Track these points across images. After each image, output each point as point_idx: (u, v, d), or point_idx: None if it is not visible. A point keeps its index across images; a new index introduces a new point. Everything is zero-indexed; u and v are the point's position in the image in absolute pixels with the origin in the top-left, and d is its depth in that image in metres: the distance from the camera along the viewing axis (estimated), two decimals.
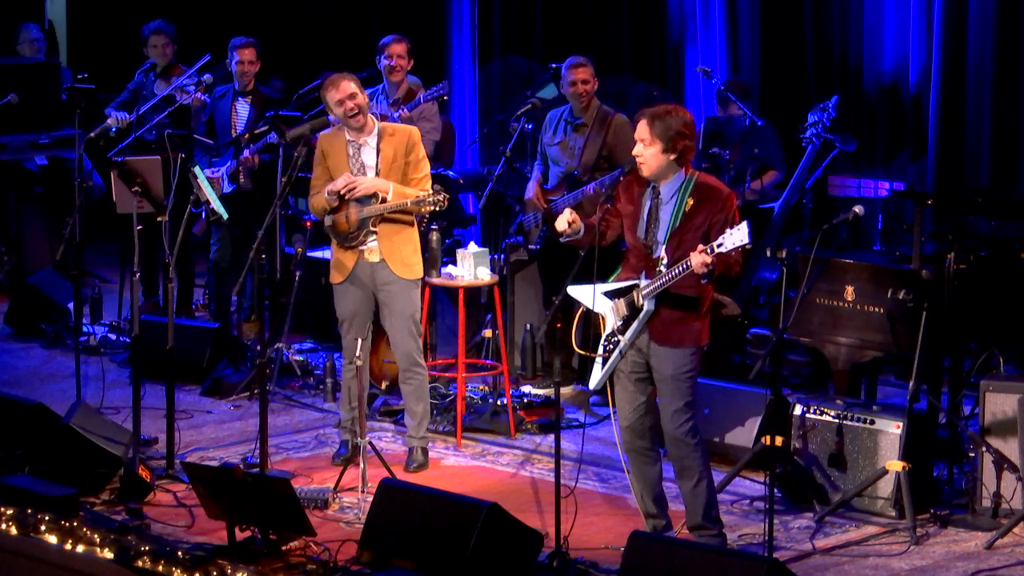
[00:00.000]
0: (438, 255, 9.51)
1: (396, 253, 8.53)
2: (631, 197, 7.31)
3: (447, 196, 8.47)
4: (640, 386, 7.34)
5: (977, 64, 10.63)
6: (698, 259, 6.91)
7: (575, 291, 7.39)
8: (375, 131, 8.55)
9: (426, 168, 8.61)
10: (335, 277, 8.66)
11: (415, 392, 8.70)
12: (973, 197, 9.63)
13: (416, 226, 8.65)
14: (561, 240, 7.44)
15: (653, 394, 7.38)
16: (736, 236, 6.84)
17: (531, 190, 10.00)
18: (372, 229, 8.50)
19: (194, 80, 10.86)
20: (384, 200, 8.43)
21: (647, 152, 7.14)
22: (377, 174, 8.49)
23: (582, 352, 7.50)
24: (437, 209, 8.47)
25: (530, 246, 10.07)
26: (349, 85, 8.44)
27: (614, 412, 7.45)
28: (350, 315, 8.65)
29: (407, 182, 8.49)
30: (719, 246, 6.87)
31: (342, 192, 8.44)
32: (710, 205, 7.09)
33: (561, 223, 7.33)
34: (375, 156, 8.51)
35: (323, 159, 8.58)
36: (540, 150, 10.07)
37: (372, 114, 8.73)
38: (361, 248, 8.54)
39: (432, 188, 8.41)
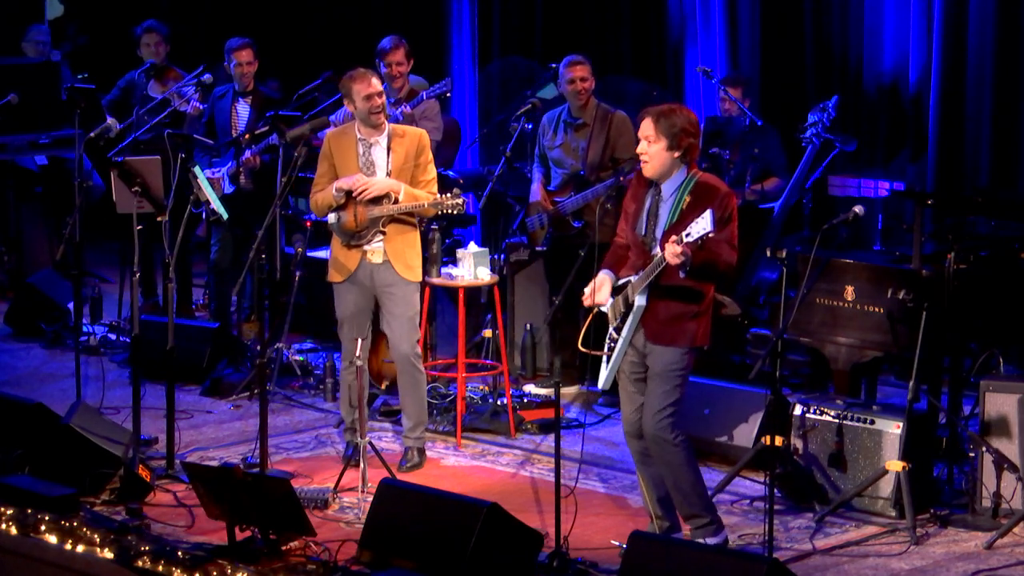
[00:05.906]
0: (438, 255, 9.51)
1: (401, 255, 8.53)
2: (635, 195, 7.31)
3: (464, 200, 8.47)
4: (639, 387, 7.31)
5: (977, 64, 10.63)
6: (670, 249, 6.89)
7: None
8: (386, 131, 8.56)
9: (433, 172, 8.63)
10: (335, 276, 8.65)
11: (413, 394, 8.69)
12: (973, 197, 9.63)
13: (418, 229, 8.67)
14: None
15: None
16: (701, 224, 6.83)
17: (536, 193, 9.99)
18: (381, 229, 8.50)
19: (194, 83, 10.86)
20: (396, 201, 8.43)
21: (652, 149, 7.12)
22: (388, 174, 8.49)
23: (584, 351, 7.45)
24: (454, 213, 8.46)
25: (536, 247, 10.07)
26: (378, 82, 8.49)
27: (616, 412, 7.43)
28: (350, 315, 8.64)
29: (415, 184, 8.50)
30: (687, 236, 6.85)
31: (354, 193, 8.43)
32: (706, 203, 7.04)
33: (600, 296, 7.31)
34: (386, 156, 8.52)
35: (329, 156, 8.56)
36: (539, 153, 10.06)
37: None
38: (365, 248, 8.54)
39: (451, 191, 8.45)
